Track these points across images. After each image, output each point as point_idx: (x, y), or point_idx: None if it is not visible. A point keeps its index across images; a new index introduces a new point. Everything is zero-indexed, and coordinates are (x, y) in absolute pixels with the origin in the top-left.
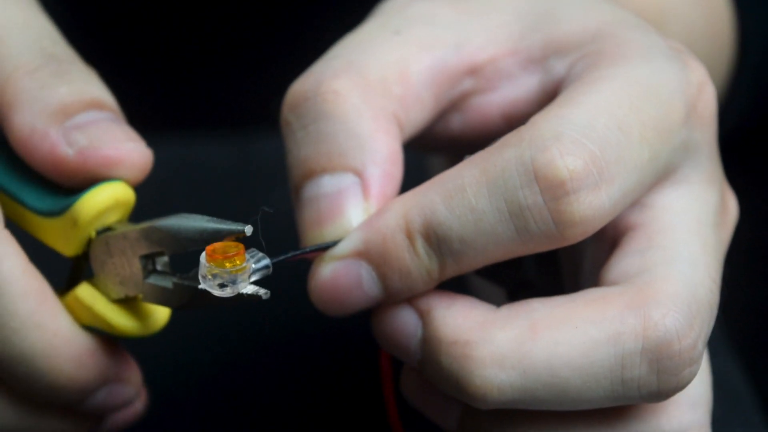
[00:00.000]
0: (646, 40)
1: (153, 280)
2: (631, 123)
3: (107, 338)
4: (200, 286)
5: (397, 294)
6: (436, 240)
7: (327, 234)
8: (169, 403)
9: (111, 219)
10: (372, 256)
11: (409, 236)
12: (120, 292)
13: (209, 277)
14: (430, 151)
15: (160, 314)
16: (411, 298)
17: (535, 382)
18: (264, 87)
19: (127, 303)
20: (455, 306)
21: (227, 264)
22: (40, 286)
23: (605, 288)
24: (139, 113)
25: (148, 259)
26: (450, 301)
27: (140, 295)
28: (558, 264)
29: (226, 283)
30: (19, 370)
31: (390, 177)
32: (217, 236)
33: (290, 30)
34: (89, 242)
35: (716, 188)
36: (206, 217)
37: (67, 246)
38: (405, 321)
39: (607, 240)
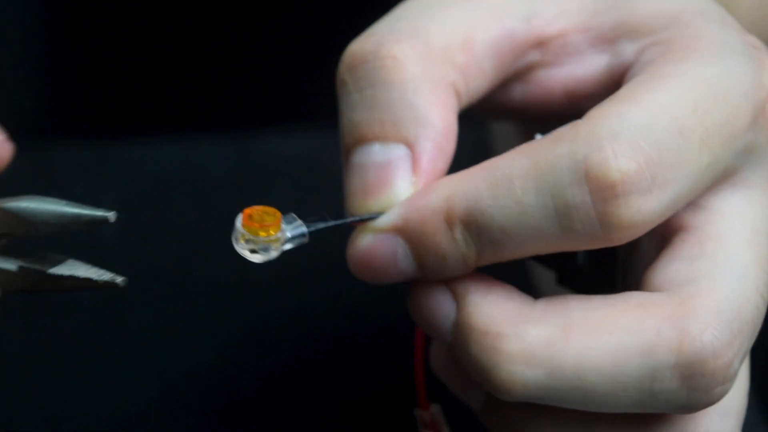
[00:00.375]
0: (722, 35)
1: None
2: (693, 127)
3: None
4: (236, 249)
5: (431, 275)
6: (476, 228)
7: (372, 204)
8: (169, 402)
9: None
10: (410, 234)
11: (449, 221)
12: None
13: (242, 242)
14: (489, 117)
15: None
16: (449, 280)
17: (562, 383)
18: (264, 87)
19: None
20: (491, 294)
21: (261, 233)
22: None
23: (647, 294)
24: (139, 113)
25: None
26: (487, 288)
27: None
28: (614, 252)
29: (257, 250)
30: None
31: (442, 152)
32: (77, 221)
33: (290, 30)
34: None
35: None
36: (60, 200)
37: None
38: (440, 302)
39: (659, 237)
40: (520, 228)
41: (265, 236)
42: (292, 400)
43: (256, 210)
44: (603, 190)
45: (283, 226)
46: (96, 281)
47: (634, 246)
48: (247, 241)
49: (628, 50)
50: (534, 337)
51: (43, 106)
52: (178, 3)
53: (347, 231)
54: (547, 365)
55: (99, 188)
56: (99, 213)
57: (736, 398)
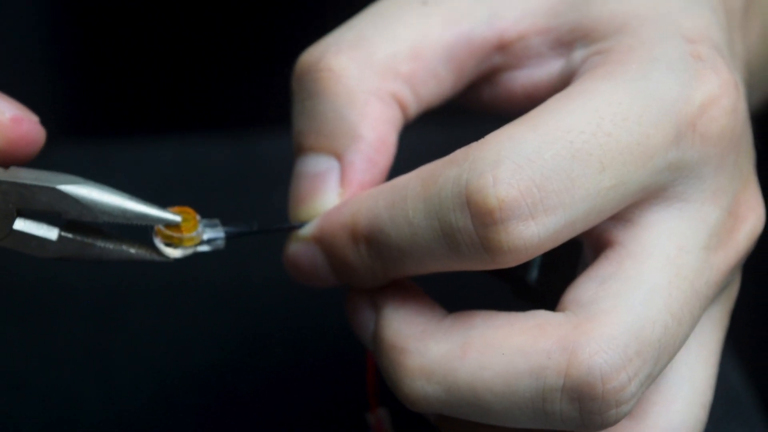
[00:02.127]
0: (660, 47)
1: (24, 226)
2: (590, 150)
3: None
4: (153, 241)
5: (350, 283)
6: (377, 245)
7: (302, 213)
8: (168, 403)
9: None
10: (324, 246)
11: (353, 237)
12: None
13: (159, 236)
14: (473, 112)
15: None
16: (372, 291)
17: (459, 399)
18: (264, 87)
19: None
20: (403, 309)
21: (175, 239)
22: None
23: (549, 314)
24: (139, 113)
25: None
26: (402, 302)
27: None
28: (571, 262)
29: (172, 245)
30: None
31: (372, 164)
32: (142, 220)
33: (290, 30)
34: None
35: (721, 204)
36: (125, 194)
37: None
38: (363, 312)
39: (592, 253)
40: (413, 247)
41: (178, 236)
42: (290, 401)
43: (176, 210)
44: (482, 216)
45: (200, 228)
46: (138, 255)
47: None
48: (163, 236)
49: (578, 57)
50: (434, 354)
51: (42, 105)
52: (178, 3)
53: None
54: (443, 382)
55: None
56: (168, 216)
57: (688, 412)
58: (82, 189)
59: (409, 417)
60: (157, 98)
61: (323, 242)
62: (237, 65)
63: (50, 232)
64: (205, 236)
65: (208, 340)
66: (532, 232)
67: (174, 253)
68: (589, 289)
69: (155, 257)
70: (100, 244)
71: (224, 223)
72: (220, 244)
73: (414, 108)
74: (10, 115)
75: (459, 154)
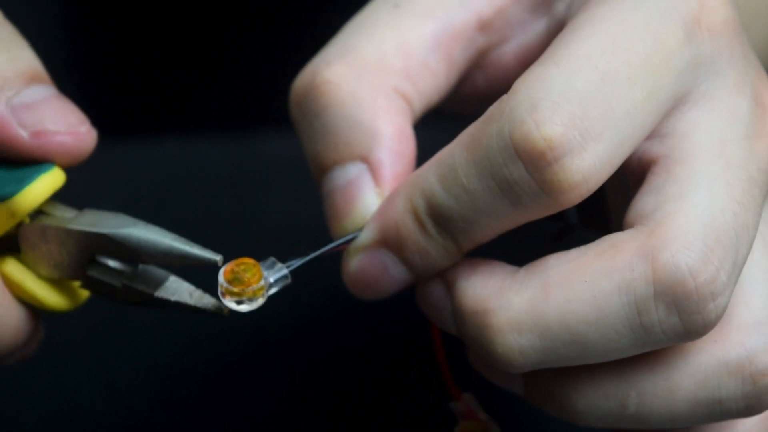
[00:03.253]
0: None
1: (95, 273)
2: (615, 69)
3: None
4: (223, 303)
5: (424, 272)
6: (442, 220)
7: (347, 227)
8: (169, 402)
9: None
10: (390, 243)
11: (418, 219)
12: (52, 274)
13: (228, 296)
14: (468, 115)
15: (84, 290)
16: (442, 273)
17: (555, 342)
18: (264, 87)
19: (55, 280)
20: (476, 275)
21: (247, 292)
22: None
23: (618, 234)
24: (139, 113)
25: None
26: (471, 270)
27: (78, 282)
28: (605, 205)
29: (244, 301)
30: None
31: (400, 155)
32: (184, 261)
33: (290, 29)
34: (19, 224)
35: (746, 95)
36: (168, 233)
37: None
38: (436, 295)
39: (636, 180)
40: (476, 213)
41: (248, 289)
42: (290, 401)
43: (234, 267)
44: (535, 161)
45: (265, 273)
46: (201, 309)
47: (621, 193)
48: (232, 294)
49: (561, 8)
50: (517, 304)
51: None
52: (177, 3)
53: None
54: (534, 328)
55: (99, 187)
56: (207, 255)
57: (762, 311)
58: (131, 232)
59: (492, 398)
60: (157, 98)
61: (389, 240)
62: (237, 65)
63: (116, 280)
64: (272, 279)
65: (209, 339)
66: (588, 163)
67: (248, 307)
68: (647, 202)
69: (214, 309)
70: (160, 294)
71: (279, 258)
72: (287, 281)
73: (417, 102)
74: (31, 131)
75: (493, 109)
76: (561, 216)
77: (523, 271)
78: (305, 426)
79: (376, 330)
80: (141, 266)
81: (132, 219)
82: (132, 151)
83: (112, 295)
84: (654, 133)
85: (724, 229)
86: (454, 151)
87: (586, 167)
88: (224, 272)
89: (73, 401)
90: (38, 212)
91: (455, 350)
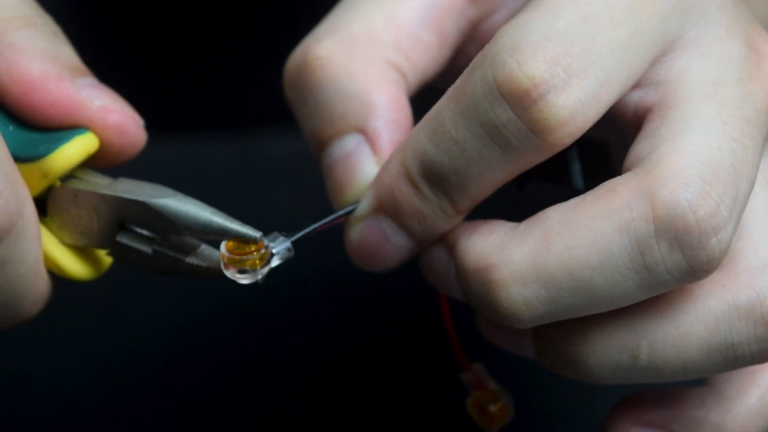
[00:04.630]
0: None
1: (126, 239)
2: (597, 9)
3: None
4: (224, 274)
5: (424, 238)
6: (435, 179)
7: (349, 198)
8: (169, 402)
9: (76, 167)
10: (387, 209)
11: (412, 181)
12: (78, 241)
13: (230, 267)
14: None
15: (105, 259)
16: (443, 237)
17: (560, 291)
18: (265, 86)
19: (76, 247)
20: (476, 233)
21: (247, 263)
22: (39, 231)
23: (615, 179)
24: (139, 113)
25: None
26: (472, 229)
27: (102, 251)
28: (612, 167)
29: (246, 271)
30: None
31: (396, 124)
32: (223, 235)
33: (291, 30)
34: (50, 188)
35: (738, 41)
36: (207, 206)
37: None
38: (439, 259)
39: (633, 131)
40: (468, 164)
41: (249, 257)
42: (290, 399)
43: (237, 243)
44: (520, 100)
45: (266, 243)
46: (232, 279)
47: (624, 151)
48: (234, 263)
49: None
50: (519, 257)
51: None
52: (177, 3)
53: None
54: (538, 278)
55: None
56: (247, 231)
57: None
58: (170, 202)
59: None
60: (157, 97)
61: (385, 205)
62: (237, 65)
63: (147, 246)
64: (273, 249)
65: (209, 338)
66: (574, 99)
67: (252, 278)
68: (643, 147)
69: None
70: (192, 260)
71: (280, 232)
72: (290, 253)
73: (411, 74)
74: (99, 104)
75: (476, 59)
76: (567, 181)
77: (523, 225)
78: (313, 403)
79: (384, 304)
80: (171, 236)
81: (170, 190)
82: None
83: (141, 263)
84: (646, 82)
85: (723, 166)
86: (441, 106)
87: (572, 103)
88: (226, 242)
89: (73, 401)
90: (70, 176)
91: (464, 321)
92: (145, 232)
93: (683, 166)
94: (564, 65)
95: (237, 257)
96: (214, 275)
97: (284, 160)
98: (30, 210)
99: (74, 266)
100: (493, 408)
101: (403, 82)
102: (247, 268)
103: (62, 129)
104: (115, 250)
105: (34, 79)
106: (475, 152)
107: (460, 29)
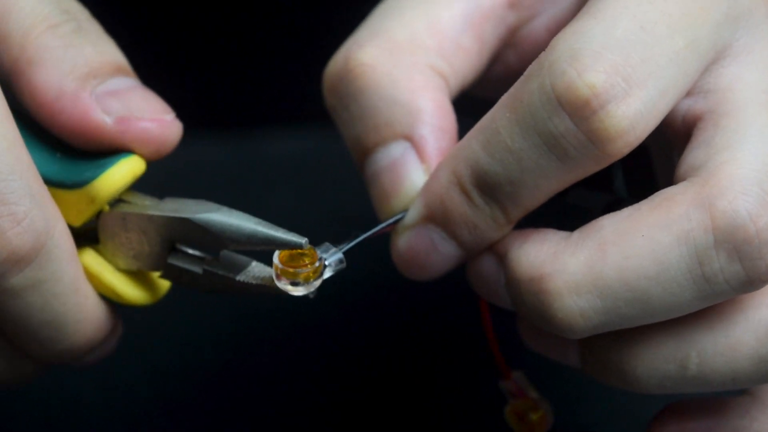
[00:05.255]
0: None
1: (176, 261)
2: (654, 18)
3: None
4: (277, 285)
5: (473, 247)
6: (488, 188)
7: (396, 206)
8: (168, 402)
9: (123, 191)
10: (437, 218)
11: (464, 190)
12: (131, 265)
13: (283, 278)
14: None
15: (163, 282)
16: (491, 245)
17: (616, 301)
18: (265, 86)
19: (132, 272)
20: (528, 242)
21: (301, 276)
22: (75, 250)
23: (671, 188)
24: None
25: (171, 240)
26: (523, 238)
27: (157, 273)
28: (652, 175)
29: (299, 283)
30: (43, 335)
31: (442, 131)
32: (269, 245)
33: (290, 30)
34: (99, 213)
35: None
36: (252, 217)
37: (77, 218)
38: (488, 268)
39: (682, 139)
40: (523, 174)
41: (303, 270)
42: (290, 401)
43: (289, 254)
44: (580, 110)
45: (320, 254)
46: (283, 291)
47: (670, 159)
48: (288, 275)
49: None
50: (574, 266)
51: None
52: (177, 3)
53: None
54: (594, 288)
55: None
56: (292, 239)
57: None
58: (213, 216)
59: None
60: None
61: (435, 215)
62: (237, 65)
63: (198, 267)
64: (327, 261)
65: (209, 339)
66: (634, 109)
67: (304, 290)
68: (697, 156)
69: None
70: (242, 278)
71: (331, 242)
72: (342, 264)
73: (452, 80)
74: (116, 116)
75: (532, 67)
76: (610, 188)
77: (576, 234)
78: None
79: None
80: (222, 253)
81: (215, 204)
82: None
83: (193, 283)
84: (696, 90)
85: None
86: (496, 115)
87: (632, 113)
88: (279, 253)
89: (73, 401)
90: (118, 201)
91: (504, 328)
92: (195, 252)
93: (742, 175)
94: (624, 75)
95: (291, 269)
96: (265, 292)
97: (284, 160)
98: (61, 230)
99: (131, 291)
100: (533, 416)
101: (446, 88)
102: (301, 281)
103: (110, 153)
104: (168, 271)
105: (52, 101)
106: (531, 162)
107: (499, 35)
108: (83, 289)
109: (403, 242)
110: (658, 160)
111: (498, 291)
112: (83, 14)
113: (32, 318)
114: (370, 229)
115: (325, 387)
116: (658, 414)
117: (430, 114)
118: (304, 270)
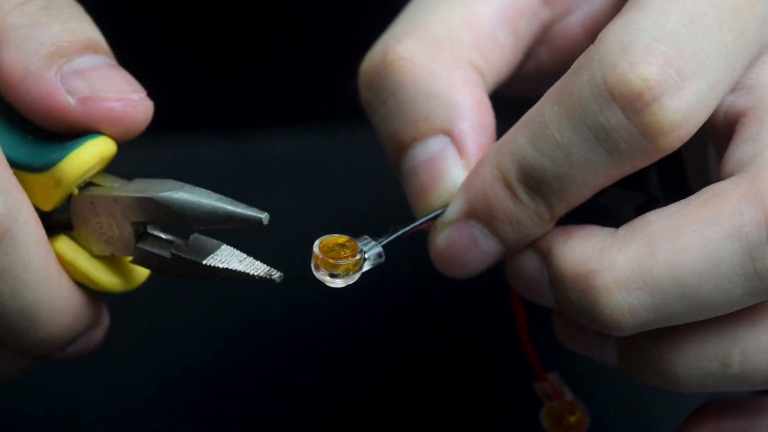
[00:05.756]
0: None
1: (146, 245)
2: (703, 11)
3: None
4: (315, 275)
5: (515, 244)
6: (534, 183)
7: (434, 202)
8: (168, 402)
9: (92, 173)
10: (479, 214)
11: (509, 186)
12: (104, 250)
13: (322, 269)
14: (531, 97)
15: (141, 270)
16: (533, 242)
17: (666, 297)
18: (265, 87)
19: (108, 259)
20: (573, 239)
21: (341, 267)
22: (45, 236)
23: (719, 183)
24: None
25: (140, 223)
26: (567, 235)
27: (129, 258)
28: (685, 175)
29: (338, 275)
30: (18, 325)
31: (481, 126)
32: (230, 220)
33: (291, 30)
34: (69, 197)
35: None
36: (213, 194)
37: (45, 202)
38: (531, 265)
39: (723, 135)
40: (572, 168)
41: (344, 262)
42: (289, 401)
43: (330, 242)
44: (632, 103)
45: (361, 246)
46: (251, 275)
47: (704, 157)
48: (327, 266)
49: None
50: (622, 262)
51: None
52: (178, 2)
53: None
54: (643, 284)
55: None
56: (252, 213)
57: None
58: (173, 194)
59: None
60: (156, 97)
61: (478, 211)
62: (238, 65)
63: (166, 251)
64: (367, 254)
65: (209, 338)
66: (687, 102)
67: (343, 282)
68: (744, 151)
69: (264, 275)
70: (209, 262)
71: (370, 235)
72: (381, 259)
73: (489, 75)
74: (80, 96)
75: (581, 60)
76: (645, 188)
77: (623, 230)
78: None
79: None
80: (193, 236)
81: (179, 183)
82: (131, 150)
83: (162, 268)
84: (738, 86)
85: None
86: (543, 109)
87: (685, 106)
88: (319, 244)
89: (73, 401)
90: (89, 184)
91: (538, 328)
92: (163, 236)
93: None
94: (676, 67)
95: (331, 261)
96: (233, 277)
97: (284, 160)
98: (28, 215)
99: (106, 278)
100: (571, 419)
101: (484, 84)
102: (341, 272)
103: (81, 135)
104: (138, 256)
105: (17, 82)
106: (581, 156)
107: (533, 31)
108: (54, 276)
109: (443, 239)
110: (687, 158)
111: (540, 288)
112: None
113: (2, 307)
114: (371, 229)
115: (345, 388)
116: (693, 412)
117: (469, 109)
118: (345, 262)
